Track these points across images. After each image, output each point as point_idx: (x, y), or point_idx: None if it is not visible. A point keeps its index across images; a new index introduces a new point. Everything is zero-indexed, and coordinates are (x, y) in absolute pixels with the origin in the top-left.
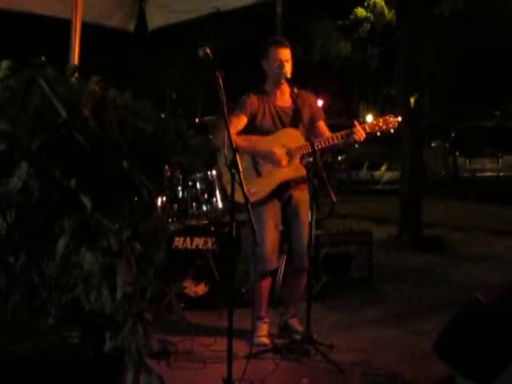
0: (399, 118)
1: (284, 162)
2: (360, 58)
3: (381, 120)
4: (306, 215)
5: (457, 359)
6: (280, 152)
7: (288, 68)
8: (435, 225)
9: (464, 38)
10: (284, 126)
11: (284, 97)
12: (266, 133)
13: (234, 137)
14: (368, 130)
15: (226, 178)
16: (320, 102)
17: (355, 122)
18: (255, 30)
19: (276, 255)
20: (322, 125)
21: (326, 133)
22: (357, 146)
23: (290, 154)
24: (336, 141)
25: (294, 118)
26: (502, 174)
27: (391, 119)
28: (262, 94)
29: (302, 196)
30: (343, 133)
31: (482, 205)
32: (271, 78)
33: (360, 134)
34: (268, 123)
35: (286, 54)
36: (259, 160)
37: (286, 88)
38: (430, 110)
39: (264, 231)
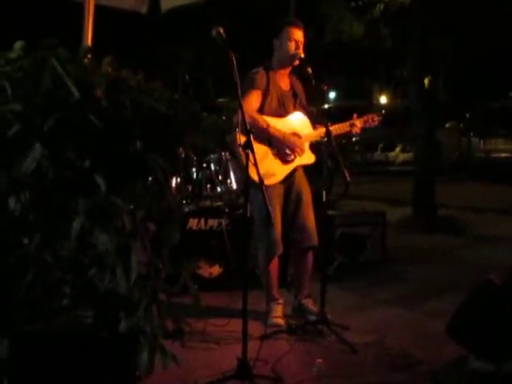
0: (379, 117)
1: (302, 152)
2: (373, 39)
3: (370, 117)
4: (308, 193)
5: (470, 340)
6: (300, 142)
7: (301, 49)
8: (449, 206)
9: (478, 19)
10: (285, 110)
11: (285, 80)
12: (271, 115)
13: (255, 115)
14: (363, 125)
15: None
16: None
17: (355, 116)
18: (269, 12)
19: (281, 240)
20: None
21: None
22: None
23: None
24: (339, 131)
25: (294, 103)
26: None
27: (375, 117)
28: (269, 70)
29: (300, 175)
30: (345, 124)
31: (495, 185)
32: (281, 59)
33: (357, 127)
34: (274, 105)
35: (300, 34)
36: (276, 143)
37: (286, 72)
38: (444, 91)
39: (273, 214)
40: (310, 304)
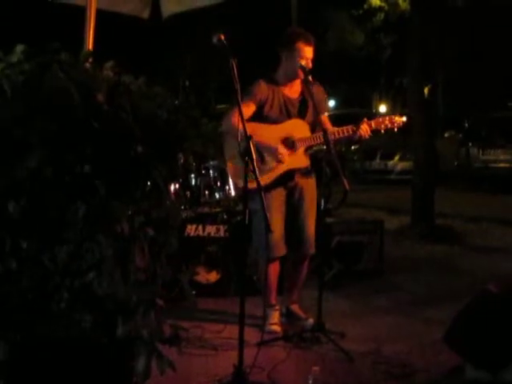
0: (404, 119)
1: (284, 160)
2: (373, 48)
3: (387, 118)
4: (312, 203)
5: (467, 349)
6: (283, 151)
7: (309, 66)
8: (447, 215)
9: (478, 29)
10: (290, 117)
11: (293, 87)
12: (272, 122)
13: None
14: (374, 127)
15: (231, 164)
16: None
17: (364, 119)
18: (271, 19)
19: (283, 242)
20: (324, 118)
21: (328, 127)
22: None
23: (294, 145)
24: (342, 135)
25: (301, 109)
26: None
27: (396, 118)
28: (271, 82)
29: (307, 184)
30: (349, 127)
31: (494, 195)
32: (288, 72)
33: (365, 130)
34: (275, 113)
35: (311, 51)
36: (263, 149)
37: (295, 81)
38: (443, 101)
39: (271, 218)
40: (296, 309)
